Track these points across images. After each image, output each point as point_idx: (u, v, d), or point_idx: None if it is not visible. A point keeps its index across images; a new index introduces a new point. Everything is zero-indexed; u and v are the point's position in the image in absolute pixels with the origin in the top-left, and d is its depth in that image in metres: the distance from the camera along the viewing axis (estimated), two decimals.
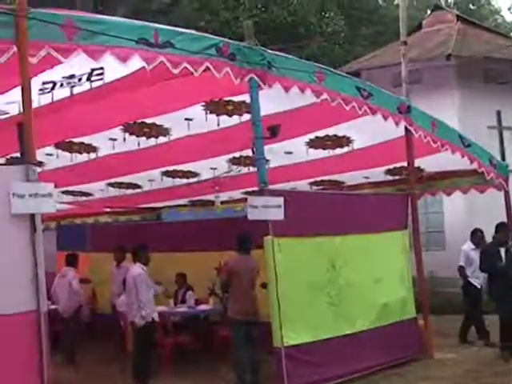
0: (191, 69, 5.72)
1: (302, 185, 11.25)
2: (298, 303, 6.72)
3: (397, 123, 8.02)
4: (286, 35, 21.17)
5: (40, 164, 7.34)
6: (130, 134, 7.92)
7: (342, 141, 8.72)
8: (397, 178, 10.46)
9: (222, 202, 11.19)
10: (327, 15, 25.29)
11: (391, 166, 10.01)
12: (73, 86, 6.01)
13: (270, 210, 6.32)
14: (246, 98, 6.75)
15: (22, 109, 6.03)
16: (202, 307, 9.64)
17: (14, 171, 4.66)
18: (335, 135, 8.50)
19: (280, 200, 6.40)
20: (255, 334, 7.15)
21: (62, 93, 6.10)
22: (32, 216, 4.62)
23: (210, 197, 11.82)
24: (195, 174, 10.38)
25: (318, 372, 6.73)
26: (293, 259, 6.68)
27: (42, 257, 4.62)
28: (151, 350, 7.88)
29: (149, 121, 7.55)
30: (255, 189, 7.15)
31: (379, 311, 7.86)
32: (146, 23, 5.60)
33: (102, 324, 10.79)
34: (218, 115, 7.37)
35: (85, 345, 9.81)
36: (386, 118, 7.77)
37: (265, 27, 20.64)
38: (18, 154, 6.96)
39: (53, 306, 9.44)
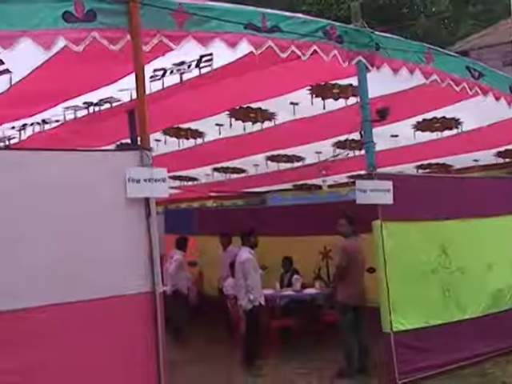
0: (299, 53, 5.69)
1: (408, 168, 11.07)
2: (407, 288, 6.61)
3: (509, 103, 7.74)
4: (389, 16, 20.78)
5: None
6: (236, 119, 7.99)
7: (450, 123, 8.50)
8: (508, 160, 10.14)
9: (328, 186, 11.16)
10: None
11: (502, 149, 9.70)
12: (182, 73, 6.10)
13: (379, 194, 6.24)
14: (352, 80, 6.68)
15: (133, 96, 6.28)
16: (308, 291, 9.66)
17: (128, 156, 4.79)
18: (443, 117, 8.30)
19: (389, 184, 6.31)
20: (363, 319, 7.11)
21: (171, 79, 6.20)
22: (146, 200, 4.74)
23: (315, 181, 11.81)
24: (300, 159, 10.39)
25: (427, 358, 6.62)
26: (402, 244, 6.58)
27: (157, 239, 4.74)
28: (258, 333, 7.98)
29: (254, 106, 7.59)
30: (362, 172, 7.09)
31: (491, 298, 7.63)
32: (254, 8, 5.61)
33: (209, 306, 11.00)
34: (323, 99, 7.32)
35: (192, 325, 10.06)
36: (497, 99, 7.51)
37: (368, 8, 20.28)
38: (129, 140, 7.26)
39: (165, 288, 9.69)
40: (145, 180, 4.68)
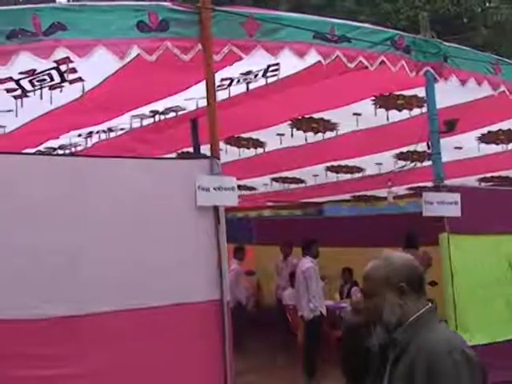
0: (367, 63, 5.66)
1: (470, 181, 10.91)
2: (473, 303, 6.48)
3: None
4: (449, 26, 20.54)
5: None
6: (298, 129, 8.00)
7: None
8: None
9: (393, 197, 11.06)
10: (492, 4, 24.28)
11: None
12: (248, 82, 6.14)
13: (447, 206, 6.15)
14: (417, 91, 6.62)
15: (198, 105, 6.34)
16: None
17: (198, 165, 4.82)
18: (509, 129, 8.16)
19: (457, 196, 6.21)
20: None
21: (238, 89, 6.24)
22: (216, 208, 4.76)
23: (374, 192, 11.72)
24: (360, 169, 10.34)
25: (495, 375, 6.47)
26: (469, 257, 6.46)
27: (226, 248, 4.76)
28: (318, 343, 7.95)
29: (317, 116, 7.58)
30: (428, 184, 7.01)
31: None
32: (323, 18, 5.61)
33: (267, 315, 11.01)
34: (387, 110, 7.28)
35: (250, 335, 10.06)
36: None
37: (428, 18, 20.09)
38: (190, 149, 7.33)
39: None
40: (214, 188, 4.70)
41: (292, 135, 8.12)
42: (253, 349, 9.54)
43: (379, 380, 2.62)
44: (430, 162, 6.55)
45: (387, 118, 7.38)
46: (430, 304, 2.69)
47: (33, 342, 4.18)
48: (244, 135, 8.44)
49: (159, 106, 6.48)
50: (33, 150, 7.55)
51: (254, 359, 9.00)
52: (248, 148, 8.99)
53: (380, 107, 7.22)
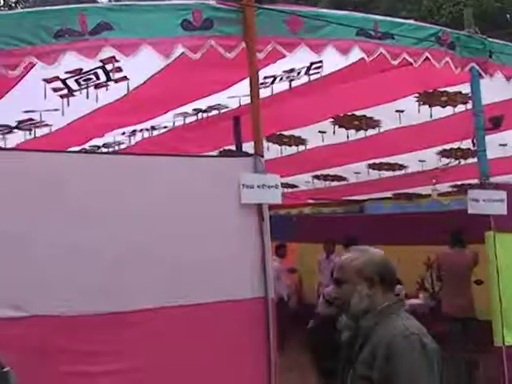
0: (411, 60, 5.61)
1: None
2: None
3: None
4: (492, 22, 20.27)
5: None
6: (340, 126, 7.97)
7: None
8: None
9: (438, 195, 10.96)
10: None
11: None
12: (291, 80, 6.14)
13: (492, 204, 6.07)
14: (462, 88, 6.54)
15: (241, 103, 6.36)
16: (412, 302, 9.52)
17: (242, 163, 4.84)
18: None
19: (503, 194, 6.13)
20: (471, 332, 6.95)
21: (280, 86, 6.24)
22: (259, 206, 4.78)
23: (416, 189, 11.63)
24: (402, 167, 10.26)
25: None
26: None
27: (269, 245, 4.78)
28: None
29: (359, 113, 7.55)
30: (472, 182, 6.94)
31: None
32: (366, 15, 5.58)
33: (308, 313, 10.99)
34: (430, 106, 7.21)
35: (292, 332, 10.05)
36: None
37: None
38: (232, 147, 7.36)
39: None
40: (258, 186, 4.72)
41: (334, 132, 8.10)
42: (294, 346, 9.53)
43: (348, 367, 2.77)
44: (474, 159, 6.48)
45: (431, 115, 7.32)
46: (399, 299, 2.91)
47: (78, 338, 4.26)
48: (286, 133, 8.45)
49: (202, 104, 6.52)
50: (78, 149, 7.66)
51: (296, 356, 9.00)
52: (290, 145, 9.00)
53: (423, 104, 7.15)
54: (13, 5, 19.25)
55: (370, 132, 8.14)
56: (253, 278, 4.72)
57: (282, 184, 11.70)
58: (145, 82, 5.26)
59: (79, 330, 4.26)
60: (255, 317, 4.69)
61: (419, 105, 7.14)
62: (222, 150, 8.77)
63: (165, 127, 7.45)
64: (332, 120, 7.77)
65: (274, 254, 10.44)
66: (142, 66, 4.73)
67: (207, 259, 4.62)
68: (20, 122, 6.30)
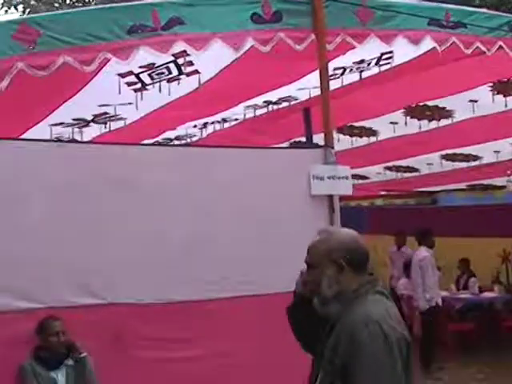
0: (484, 49, 5.51)
1: None
2: None
3: None
4: None
5: None
6: (412, 117, 7.87)
7: None
8: None
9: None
10: None
11: None
12: (362, 71, 6.10)
13: None
14: None
15: (311, 95, 6.37)
16: (487, 295, 9.36)
17: (313, 154, 4.87)
18: None
19: None
20: None
21: (350, 78, 6.22)
22: (330, 197, 4.79)
23: (491, 181, 11.40)
24: (476, 158, 10.07)
25: None
26: None
27: None
28: (434, 335, 7.85)
29: (431, 103, 7.44)
30: None
31: None
32: (437, 4, 5.51)
33: None
34: (505, 96, 7.05)
35: None
36: None
37: None
38: (303, 138, 7.36)
39: None
40: (329, 177, 4.74)
41: (406, 123, 7.99)
42: None
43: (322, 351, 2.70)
44: None
45: (505, 105, 7.15)
46: (370, 279, 2.75)
47: (153, 325, 4.38)
48: (356, 124, 8.39)
49: (272, 96, 6.55)
50: (151, 141, 7.80)
51: None
52: (361, 137, 8.94)
53: (498, 94, 6.99)
54: (85, 1, 19.61)
55: (443, 122, 8.01)
56: None
57: (352, 175, 11.67)
58: (216, 75, 5.32)
59: (154, 317, 4.38)
60: None
61: (493, 94, 6.99)
62: (292, 141, 8.78)
63: (236, 119, 7.51)
64: (404, 111, 7.68)
65: None
66: (213, 59, 4.79)
67: (278, 250, 4.67)
68: (96, 116, 6.47)
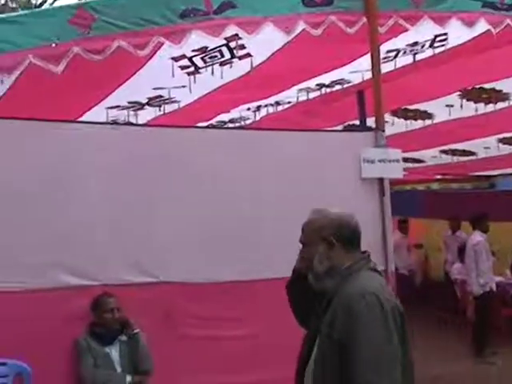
0: None
1: None
2: None
3: None
4: None
5: None
6: (468, 100, 7.77)
7: None
8: None
9: None
10: None
11: None
12: (415, 54, 6.05)
13: None
14: None
15: (364, 78, 6.35)
16: None
17: (363, 137, 4.88)
18: None
19: None
20: None
21: (404, 60, 6.17)
22: (380, 180, 4.80)
23: None
24: None
25: None
26: None
27: (390, 219, 4.80)
28: (488, 320, 7.78)
29: (488, 86, 7.33)
30: None
31: None
32: None
33: (434, 290, 10.87)
34: None
35: (416, 309, 9.96)
36: None
37: None
38: (356, 122, 7.35)
39: None
40: (379, 161, 4.75)
41: (462, 106, 7.89)
42: (418, 323, 9.45)
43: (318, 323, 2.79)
44: None
45: None
46: (364, 257, 2.90)
47: (202, 304, 4.48)
48: (411, 107, 8.32)
49: (325, 79, 6.55)
50: (205, 124, 7.89)
51: (416, 333, 8.91)
52: (415, 120, 8.85)
53: None
54: None
55: (500, 105, 7.88)
56: (373, 251, 4.74)
57: (407, 159, 11.65)
58: (268, 59, 5.35)
59: (204, 296, 4.48)
60: None
61: None
62: (346, 124, 8.76)
63: (289, 102, 7.53)
64: (459, 93, 7.58)
65: (397, 228, 10.36)
66: (265, 43, 4.83)
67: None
68: (150, 99, 6.57)
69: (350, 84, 6.86)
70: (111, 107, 6.59)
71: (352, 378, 2.57)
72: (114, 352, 4.66)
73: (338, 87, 6.99)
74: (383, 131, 4.87)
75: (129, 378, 4.59)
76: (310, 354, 2.81)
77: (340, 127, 8.82)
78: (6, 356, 4.33)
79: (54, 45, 3.94)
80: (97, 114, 6.45)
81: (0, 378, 4.40)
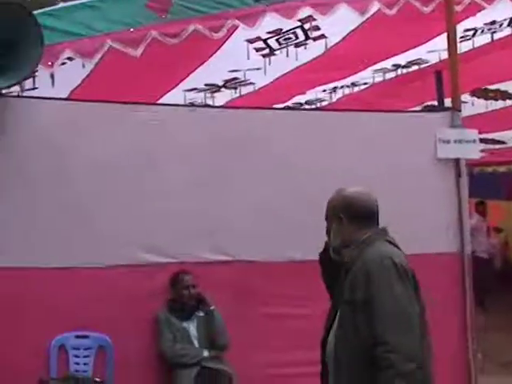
0: None
1: None
2: None
3: None
4: None
5: None
6: None
7: None
8: None
9: None
10: None
11: None
12: (493, 32, 5.94)
13: None
14: None
15: (441, 57, 6.26)
16: None
17: (439, 118, 4.84)
18: None
19: None
20: None
21: (482, 39, 6.07)
22: (456, 161, 4.76)
23: None
24: None
25: None
26: None
27: (466, 201, 4.76)
28: None
29: None
30: None
31: None
32: None
33: None
34: None
35: (495, 293, 9.82)
36: None
37: None
38: (434, 102, 7.25)
39: None
40: (455, 141, 4.71)
41: None
42: (498, 306, 9.32)
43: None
44: None
45: None
46: (379, 231, 3.03)
47: (274, 282, 4.58)
48: (491, 87, 8.14)
49: (401, 59, 6.50)
50: (281, 106, 7.93)
51: (497, 317, 8.80)
52: (496, 100, 8.66)
53: None
54: None
55: None
56: (448, 232, 4.74)
57: (488, 140, 11.40)
58: (342, 40, 5.35)
59: (278, 274, 4.56)
60: (450, 271, 4.72)
61: None
62: (425, 105, 8.64)
63: (365, 83, 7.49)
64: None
65: (474, 210, 10.19)
66: (339, 23, 4.84)
67: (402, 213, 4.69)
68: (226, 82, 6.66)
69: (428, 64, 6.78)
70: (188, 90, 6.70)
71: (373, 337, 2.70)
72: (191, 327, 4.79)
73: (414, 67, 6.92)
74: (459, 111, 4.82)
75: (206, 353, 4.72)
76: (334, 322, 2.95)
77: (418, 107, 8.71)
78: (89, 329, 4.52)
79: (132, 29, 4.06)
80: (174, 96, 6.58)
81: (84, 350, 4.60)
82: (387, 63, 6.59)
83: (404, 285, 2.76)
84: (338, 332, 2.88)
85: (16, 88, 4.53)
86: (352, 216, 3.00)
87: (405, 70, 6.97)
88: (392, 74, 7.08)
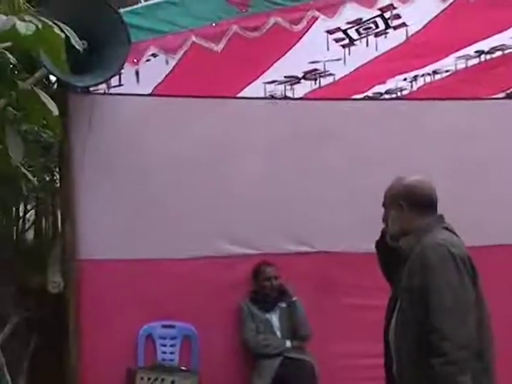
0: None
1: None
2: None
3: None
4: None
5: None
6: None
7: None
8: None
9: None
10: None
11: None
12: None
13: None
14: None
15: None
16: None
17: None
18: None
19: None
20: None
21: None
22: None
23: None
24: None
25: None
26: None
27: None
28: None
29: None
30: None
31: None
32: None
33: None
34: None
35: None
36: None
37: None
38: None
39: None
40: None
41: None
42: None
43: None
44: None
45: None
46: (436, 218, 3.00)
47: (359, 273, 4.57)
48: None
49: (484, 45, 6.36)
50: (361, 96, 7.87)
51: None
52: None
53: None
54: None
55: None
56: None
57: None
58: (423, 27, 5.27)
59: (358, 265, 4.56)
60: None
61: None
62: (510, 92, 8.42)
63: (447, 71, 7.36)
64: None
65: None
66: (420, 11, 4.78)
67: (489, 201, 4.64)
68: (306, 73, 6.65)
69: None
70: (268, 82, 6.73)
71: (429, 324, 2.71)
72: (274, 318, 4.85)
73: (498, 53, 6.75)
74: None
75: (288, 343, 4.76)
76: (394, 311, 2.98)
77: (502, 95, 8.50)
78: (175, 319, 4.63)
79: (213, 24, 4.12)
80: (255, 88, 6.63)
81: (170, 339, 4.72)
82: (470, 50, 6.46)
83: (460, 273, 2.75)
84: (398, 319, 2.92)
85: (103, 85, 4.65)
86: (412, 204, 3.01)
87: (488, 57, 6.82)
88: (475, 61, 6.93)
